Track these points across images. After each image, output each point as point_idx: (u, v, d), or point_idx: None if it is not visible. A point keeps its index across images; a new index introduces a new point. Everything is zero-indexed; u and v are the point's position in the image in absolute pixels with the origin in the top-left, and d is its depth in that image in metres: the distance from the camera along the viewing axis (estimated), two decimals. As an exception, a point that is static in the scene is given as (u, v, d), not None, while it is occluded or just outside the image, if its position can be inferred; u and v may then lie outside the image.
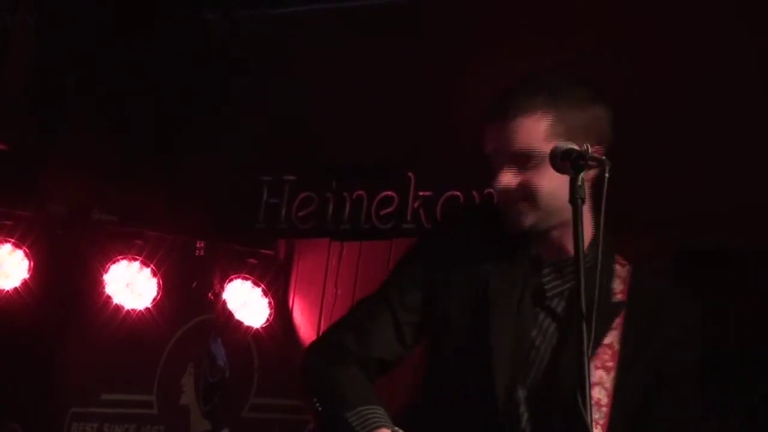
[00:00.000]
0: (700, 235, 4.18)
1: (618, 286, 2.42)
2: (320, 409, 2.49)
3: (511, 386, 2.39)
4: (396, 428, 2.37)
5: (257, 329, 5.17)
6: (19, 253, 4.76)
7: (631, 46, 4.25)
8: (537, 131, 2.25)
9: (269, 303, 5.17)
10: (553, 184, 2.28)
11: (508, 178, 2.28)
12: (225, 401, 5.27)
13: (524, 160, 2.28)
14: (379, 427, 2.33)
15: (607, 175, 2.13)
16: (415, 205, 4.82)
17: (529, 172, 2.28)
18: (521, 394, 2.40)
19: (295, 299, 5.25)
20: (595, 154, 2.18)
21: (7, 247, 4.73)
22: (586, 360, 2.14)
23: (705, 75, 4.17)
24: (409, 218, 4.82)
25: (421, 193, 4.84)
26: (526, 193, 2.29)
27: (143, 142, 5.11)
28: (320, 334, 2.70)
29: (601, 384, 2.36)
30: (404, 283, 2.52)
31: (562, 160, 2.19)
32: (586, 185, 2.18)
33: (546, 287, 2.41)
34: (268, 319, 5.16)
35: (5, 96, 4.95)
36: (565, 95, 2.27)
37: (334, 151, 4.95)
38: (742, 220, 4.02)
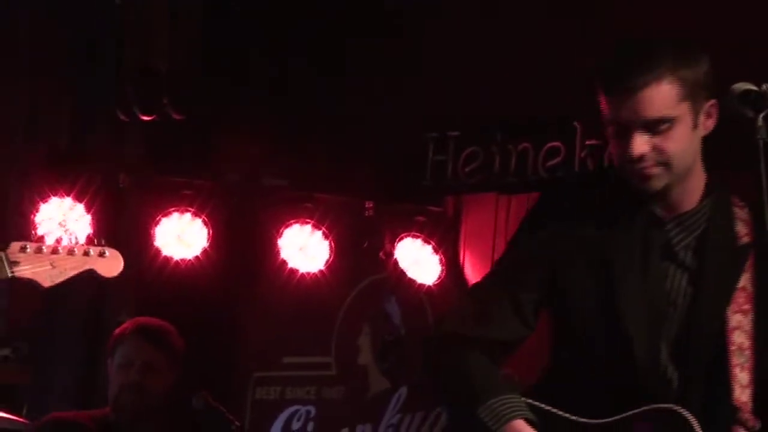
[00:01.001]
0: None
1: (742, 229, 2.45)
2: (451, 408, 2.58)
3: (653, 344, 2.42)
4: (530, 415, 2.40)
5: (430, 286, 5.22)
6: (198, 222, 4.90)
7: None
8: (668, 98, 2.30)
9: (440, 260, 5.20)
10: (682, 145, 2.35)
11: (642, 145, 2.31)
12: (402, 359, 5.32)
13: (655, 126, 2.32)
14: (511, 419, 2.39)
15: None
16: (582, 155, 4.79)
17: (660, 137, 2.31)
18: (664, 350, 2.43)
19: (466, 255, 5.27)
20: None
21: (187, 216, 4.86)
22: None
23: None
24: (576, 168, 4.80)
25: (587, 143, 4.80)
26: (660, 157, 2.33)
27: (310, 107, 5.17)
28: (438, 323, 2.75)
29: (740, 328, 2.41)
30: (520, 259, 2.56)
31: (741, 102, 2.23)
32: (699, 133, 2.32)
33: (673, 241, 2.43)
34: (440, 276, 5.20)
35: (178, 67, 5.06)
36: (681, 57, 2.33)
37: (497, 105, 4.91)
38: None
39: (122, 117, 5.04)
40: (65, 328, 5.10)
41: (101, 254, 2.79)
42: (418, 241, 5.23)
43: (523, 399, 2.48)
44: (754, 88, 2.25)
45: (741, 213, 2.50)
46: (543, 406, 2.51)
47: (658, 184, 2.35)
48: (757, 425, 2.40)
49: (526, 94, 4.85)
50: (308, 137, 5.14)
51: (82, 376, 5.14)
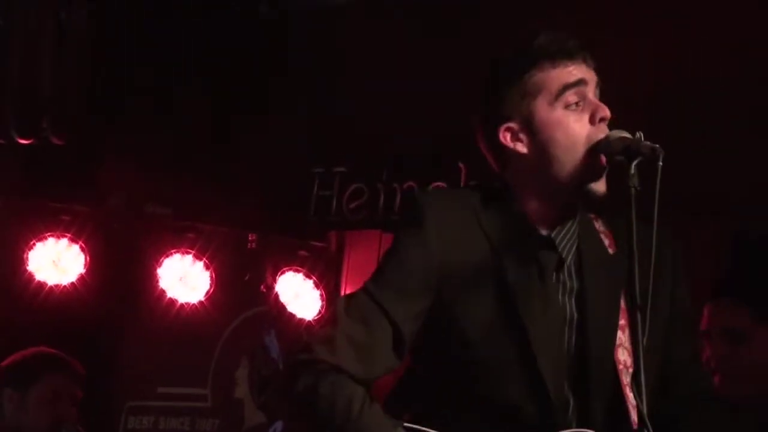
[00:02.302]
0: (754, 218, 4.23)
1: (606, 240, 2.44)
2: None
3: (560, 378, 2.35)
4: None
5: (310, 321, 5.21)
6: (76, 248, 4.86)
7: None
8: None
9: (321, 295, 5.24)
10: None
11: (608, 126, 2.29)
12: (279, 394, 5.21)
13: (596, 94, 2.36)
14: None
15: (660, 163, 2.15)
16: None
17: None
18: (566, 382, 2.35)
19: (347, 291, 5.19)
20: (648, 142, 2.18)
21: (64, 242, 4.82)
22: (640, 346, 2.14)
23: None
24: None
25: (473, 183, 4.81)
26: None
27: (196, 136, 5.17)
28: (304, 346, 2.46)
29: (622, 344, 2.36)
30: (402, 280, 2.38)
31: (616, 149, 2.21)
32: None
33: (564, 257, 2.39)
34: (320, 311, 5.19)
35: (61, 92, 5.00)
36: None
37: (384, 143, 4.97)
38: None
39: (-1, 140, 5.02)
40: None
41: None
42: (300, 276, 5.25)
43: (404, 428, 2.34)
44: (629, 135, 2.24)
45: (599, 225, 2.48)
46: (424, 429, 2.37)
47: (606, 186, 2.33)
48: None
49: (413, 134, 4.90)
50: (193, 166, 5.09)
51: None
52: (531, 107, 2.34)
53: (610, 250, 2.41)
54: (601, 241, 2.43)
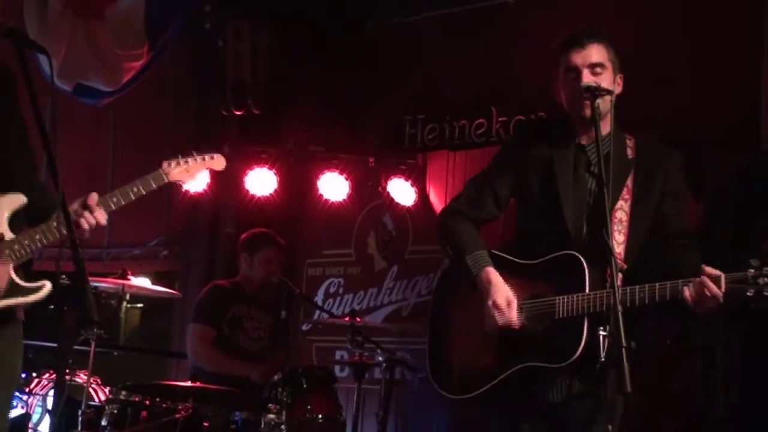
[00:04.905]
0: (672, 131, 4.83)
1: (629, 150, 3.09)
2: (451, 252, 3.19)
3: (578, 218, 3.04)
4: (492, 265, 2.96)
5: (409, 207, 6.19)
6: (270, 173, 6.24)
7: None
8: (604, 52, 3.07)
9: (414, 191, 6.16)
10: (609, 86, 3.00)
11: (589, 79, 3.00)
12: (394, 250, 6.38)
13: (597, 69, 3.02)
14: (485, 266, 3.03)
15: (612, 99, 2.96)
16: (497, 127, 5.91)
17: (597, 78, 3.02)
18: (584, 223, 3.04)
19: (430, 187, 6.21)
20: (605, 87, 2.98)
21: (264, 169, 6.19)
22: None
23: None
24: (494, 135, 5.93)
25: (500, 119, 5.87)
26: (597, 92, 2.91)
27: (337, 104, 6.39)
28: (447, 204, 3.30)
29: (621, 208, 3.03)
30: (500, 168, 3.17)
31: (586, 92, 2.99)
32: (609, 102, 3.00)
33: (590, 159, 3.10)
34: (415, 201, 6.17)
35: (257, 83, 6.33)
36: (609, 40, 3.11)
37: (447, 98, 6.14)
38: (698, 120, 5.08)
39: (224, 112, 6.48)
40: (197, 236, 6.68)
41: (212, 157, 3.35)
42: (401, 180, 6.14)
43: (489, 252, 3.01)
44: (593, 84, 2.98)
45: (630, 142, 3.10)
46: (499, 252, 3.08)
47: (588, 110, 2.93)
48: (624, 265, 2.93)
49: (463, 91, 6.08)
50: (336, 123, 6.34)
51: (207, 264, 6.69)
52: (560, 70, 3.17)
53: (631, 155, 3.06)
54: (624, 151, 3.07)
